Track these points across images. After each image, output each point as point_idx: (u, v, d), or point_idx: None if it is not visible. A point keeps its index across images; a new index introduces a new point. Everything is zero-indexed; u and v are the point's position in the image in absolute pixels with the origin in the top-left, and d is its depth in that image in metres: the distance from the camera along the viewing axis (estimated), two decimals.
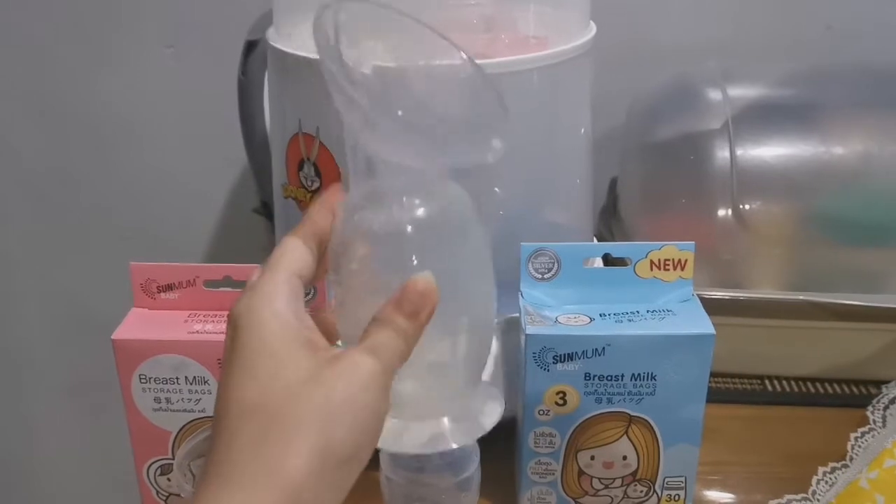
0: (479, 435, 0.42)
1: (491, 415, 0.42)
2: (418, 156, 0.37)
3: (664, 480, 0.55)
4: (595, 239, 0.75)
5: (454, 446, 0.41)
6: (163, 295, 0.53)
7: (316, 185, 0.59)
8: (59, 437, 1.11)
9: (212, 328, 0.52)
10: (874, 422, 0.64)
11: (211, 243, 0.98)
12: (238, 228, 0.96)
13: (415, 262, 0.37)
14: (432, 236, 0.38)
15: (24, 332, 1.05)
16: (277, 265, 0.37)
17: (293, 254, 0.37)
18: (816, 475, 0.58)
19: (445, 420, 0.41)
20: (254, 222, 0.83)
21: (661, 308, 0.54)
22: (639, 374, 0.52)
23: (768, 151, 0.70)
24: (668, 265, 0.56)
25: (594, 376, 0.52)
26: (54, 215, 0.99)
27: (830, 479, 0.58)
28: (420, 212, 0.38)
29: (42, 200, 0.98)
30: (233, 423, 0.33)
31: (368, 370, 0.35)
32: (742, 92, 0.73)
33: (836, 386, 0.70)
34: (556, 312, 0.54)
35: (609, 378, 0.52)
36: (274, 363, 0.34)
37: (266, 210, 0.78)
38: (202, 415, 0.52)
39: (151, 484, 0.55)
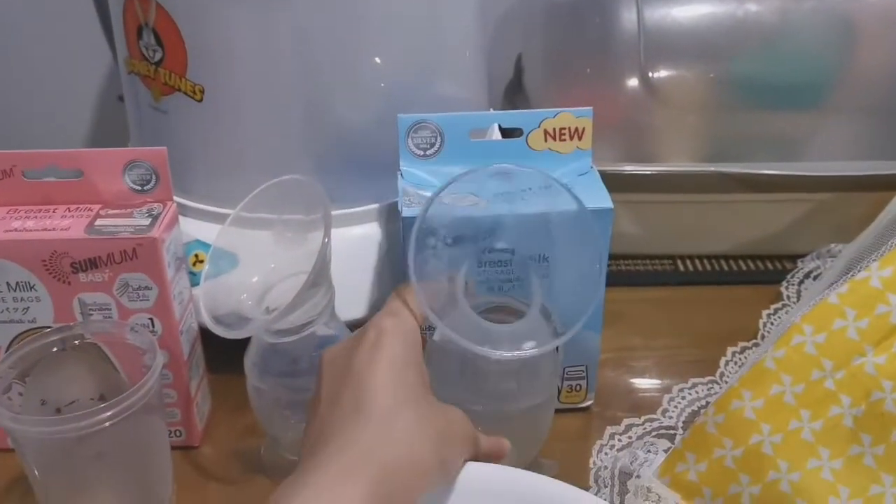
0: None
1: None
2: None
3: (564, 370, 0.51)
4: None
5: None
6: None
7: (158, 55, 0.51)
8: None
9: (33, 225, 0.44)
10: (788, 297, 0.60)
11: (84, 136, 0.89)
12: (109, 120, 0.87)
13: None
14: None
15: None
16: (406, 309, 0.39)
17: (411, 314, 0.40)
18: (725, 356, 0.54)
19: None
20: (123, 112, 0.75)
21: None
22: (539, 257, 0.46)
23: (679, 12, 0.64)
24: (564, 134, 0.50)
25: (491, 262, 0.47)
26: None
27: (740, 359, 0.54)
28: None
29: None
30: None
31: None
32: None
33: (750, 263, 0.67)
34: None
35: (506, 263, 0.47)
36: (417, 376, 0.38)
37: None
38: (32, 325, 0.45)
39: None
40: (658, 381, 0.55)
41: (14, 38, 0.84)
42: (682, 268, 0.67)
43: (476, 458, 0.39)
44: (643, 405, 0.53)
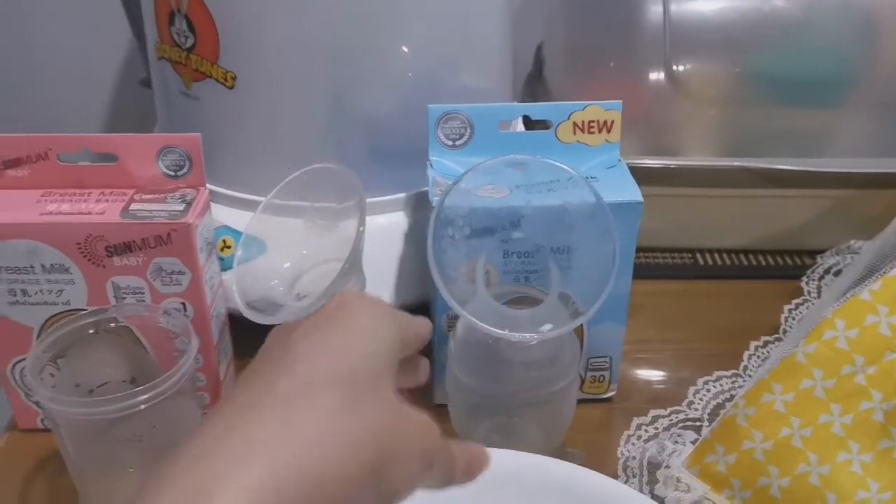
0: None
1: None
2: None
3: (588, 361, 0.52)
4: None
5: None
6: (11, 171, 0.46)
7: (190, 41, 0.51)
8: None
9: (69, 208, 0.44)
10: (808, 293, 0.61)
11: (102, 119, 0.89)
12: (127, 103, 0.87)
13: None
14: None
15: None
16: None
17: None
18: (748, 350, 0.55)
19: None
20: (143, 96, 0.75)
21: (584, 175, 0.49)
22: (558, 248, 0.47)
23: (704, 5, 0.64)
24: (593, 127, 0.50)
25: (511, 253, 0.47)
26: None
27: (763, 353, 0.55)
28: None
29: None
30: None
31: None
32: None
33: (769, 258, 0.67)
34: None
35: (526, 254, 0.47)
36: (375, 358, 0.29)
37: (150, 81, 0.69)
38: (66, 307, 0.46)
39: (18, 384, 0.48)
40: (678, 374, 0.55)
41: (33, 19, 0.85)
42: (701, 261, 0.67)
43: (450, 476, 0.31)
44: (663, 397, 0.53)
